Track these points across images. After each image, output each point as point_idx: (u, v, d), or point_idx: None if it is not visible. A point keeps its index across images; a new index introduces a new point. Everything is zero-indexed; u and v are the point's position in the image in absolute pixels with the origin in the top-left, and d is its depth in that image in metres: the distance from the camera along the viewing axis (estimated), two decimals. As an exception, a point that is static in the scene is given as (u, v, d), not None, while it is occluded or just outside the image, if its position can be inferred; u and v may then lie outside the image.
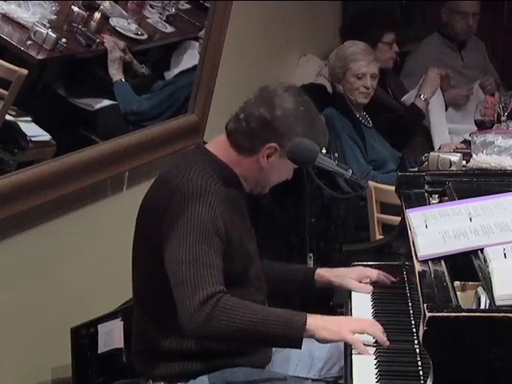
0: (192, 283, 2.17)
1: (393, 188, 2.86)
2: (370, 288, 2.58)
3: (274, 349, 2.51)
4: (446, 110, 4.85)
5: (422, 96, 4.53)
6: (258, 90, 2.45)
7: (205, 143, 2.50)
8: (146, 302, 2.43)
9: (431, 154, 3.65)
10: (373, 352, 2.19)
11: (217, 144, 2.45)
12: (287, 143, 2.37)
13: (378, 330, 2.23)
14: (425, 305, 1.80)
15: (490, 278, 1.89)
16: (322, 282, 2.62)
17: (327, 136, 2.51)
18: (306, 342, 2.24)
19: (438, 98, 4.70)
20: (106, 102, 3.24)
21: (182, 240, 2.22)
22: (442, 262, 2.11)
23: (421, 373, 2.07)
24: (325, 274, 2.63)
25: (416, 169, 3.83)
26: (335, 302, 2.70)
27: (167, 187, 2.32)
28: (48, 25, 2.80)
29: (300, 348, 2.22)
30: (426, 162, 3.66)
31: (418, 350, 2.16)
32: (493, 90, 4.95)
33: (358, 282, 2.60)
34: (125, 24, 3.23)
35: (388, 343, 2.20)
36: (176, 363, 2.36)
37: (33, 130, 2.81)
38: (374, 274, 2.63)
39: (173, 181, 2.31)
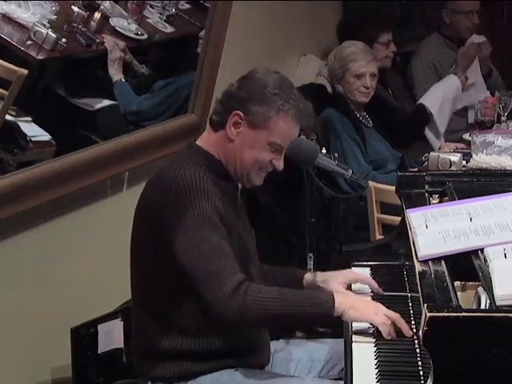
0: (216, 276, 2.19)
1: (393, 188, 2.85)
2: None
3: (272, 350, 2.52)
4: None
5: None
6: None
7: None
8: (145, 300, 2.43)
9: (431, 154, 3.65)
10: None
11: (204, 138, 2.45)
12: (251, 109, 2.34)
13: (401, 322, 2.24)
14: (425, 305, 1.80)
15: (491, 278, 1.89)
16: (310, 287, 2.59)
17: (305, 113, 2.42)
18: (305, 344, 2.25)
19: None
20: (106, 102, 3.24)
21: (192, 235, 2.22)
22: (442, 262, 2.12)
23: (421, 373, 2.07)
24: (312, 278, 2.60)
25: (416, 169, 3.84)
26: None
27: (162, 182, 2.32)
28: (48, 25, 2.80)
29: (330, 327, 2.26)
30: (426, 162, 3.66)
31: (418, 350, 2.16)
32: (487, 50, 4.94)
33: (345, 285, 2.56)
34: (125, 24, 3.23)
35: (411, 333, 2.23)
36: (175, 364, 2.35)
37: (33, 130, 2.81)
38: (361, 277, 2.60)
39: (167, 176, 2.31)
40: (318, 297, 2.25)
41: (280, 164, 2.43)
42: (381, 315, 2.24)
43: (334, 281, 2.56)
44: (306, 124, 2.45)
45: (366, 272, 2.72)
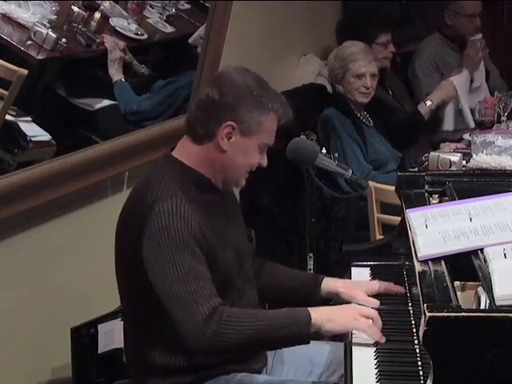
0: (189, 301, 2.15)
1: (393, 188, 2.85)
2: (378, 303, 2.45)
3: (272, 353, 2.49)
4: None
5: (427, 102, 4.54)
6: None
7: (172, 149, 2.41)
8: (131, 314, 2.40)
9: (431, 154, 3.65)
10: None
11: (181, 148, 2.37)
12: (243, 117, 2.27)
13: (377, 321, 2.22)
14: (425, 305, 1.80)
15: (490, 278, 1.89)
16: (329, 292, 2.55)
17: (287, 107, 2.35)
18: (305, 347, 2.23)
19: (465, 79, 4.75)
20: (106, 102, 3.25)
21: (167, 259, 2.18)
22: (442, 262, 2.11)
23: (421, 373, 2.07)
24: (333, 283, 2.54)
25: (416, 169, 3.83)
26: (335, 301, 2.69)
27: (141, 203, 2.26)
28: (48, 25, 2.80)
29: (309, 343, 2.22)
30: (426, 162, 3.66)
31: (418, 350, 2.16)
32: (482, 47, 4.93)
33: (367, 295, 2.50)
34: (125, 24, 3.23)
35: (383, 340, 2.20)
36: (169, 379, 2.31)
37: (33, 130, 2.81)
38: (383, 287, 2.54)
39: (145, 197, 2.25)
40: (293, 315, 2.20)
41: (265, 160, 2.37)
42: (361, 320, 2.21)
43: (356, 289, 2.50)
44: (291, 117, 2.36)
45: (366, 272, 2.72)
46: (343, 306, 2.38)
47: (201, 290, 2.16)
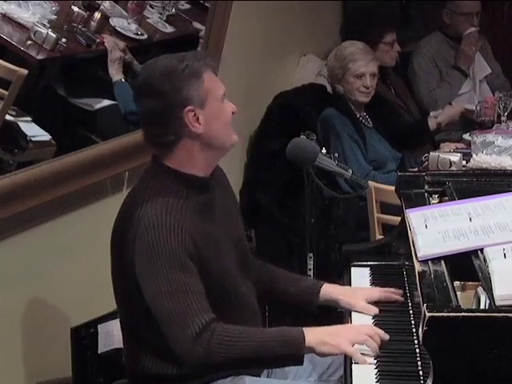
0: (179, 317, 2.13)
1: (393, 188, 2.85)
2: (377, 310, 2.43)
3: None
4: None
5: (437, 118, 4.56)
6: None
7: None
8: (125, 319, 2.40)
9: (431, 154, 3.66)
10: (373, 361, 2.17)
11: (165, 158, 2.34)
12: (190, 95, 2.24)
13: (375, 343, 2.18)
14: (425, 305, 1.80)
15: (490, 278, 1.90)
16: (327, 299, 2.52)
17: (205, 56, 2.38)
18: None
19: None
20: (106, 102, 3.24)
21: (157, 274, 2.16)
22: (442, 262, 2.12)
23: (421, 373, 2.07)
24: (332, 291, 2.52)
25: (416, 169, 3.84)
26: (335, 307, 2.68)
27: (131, 216, 2.25)
28: (48, 25, 2.80)
29: (302, 365, 2.20)
30: (426, 162, 3.66)
31: (417, 350, 2.16)
32: (476, 40, 4.96)
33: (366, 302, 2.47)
34: (125, 24, 3.23)
35: (376, 354, 2.18)
36: (163, 382, 2.30)
37: (33, 130, 2.81)
38: (383, 295, 2.50)
39: (136, 209, 2.24)
40: (287, 336, 2.17)
41: (232, 105, 2.36)
42: (359, 338, 2.17)
43: (355, 297, 2.47)
44: (213, 60, 2.37)
45: (366, 272, 2.73)
46: (340, 326, 2.33)
47: (192, 306, 2.14)
